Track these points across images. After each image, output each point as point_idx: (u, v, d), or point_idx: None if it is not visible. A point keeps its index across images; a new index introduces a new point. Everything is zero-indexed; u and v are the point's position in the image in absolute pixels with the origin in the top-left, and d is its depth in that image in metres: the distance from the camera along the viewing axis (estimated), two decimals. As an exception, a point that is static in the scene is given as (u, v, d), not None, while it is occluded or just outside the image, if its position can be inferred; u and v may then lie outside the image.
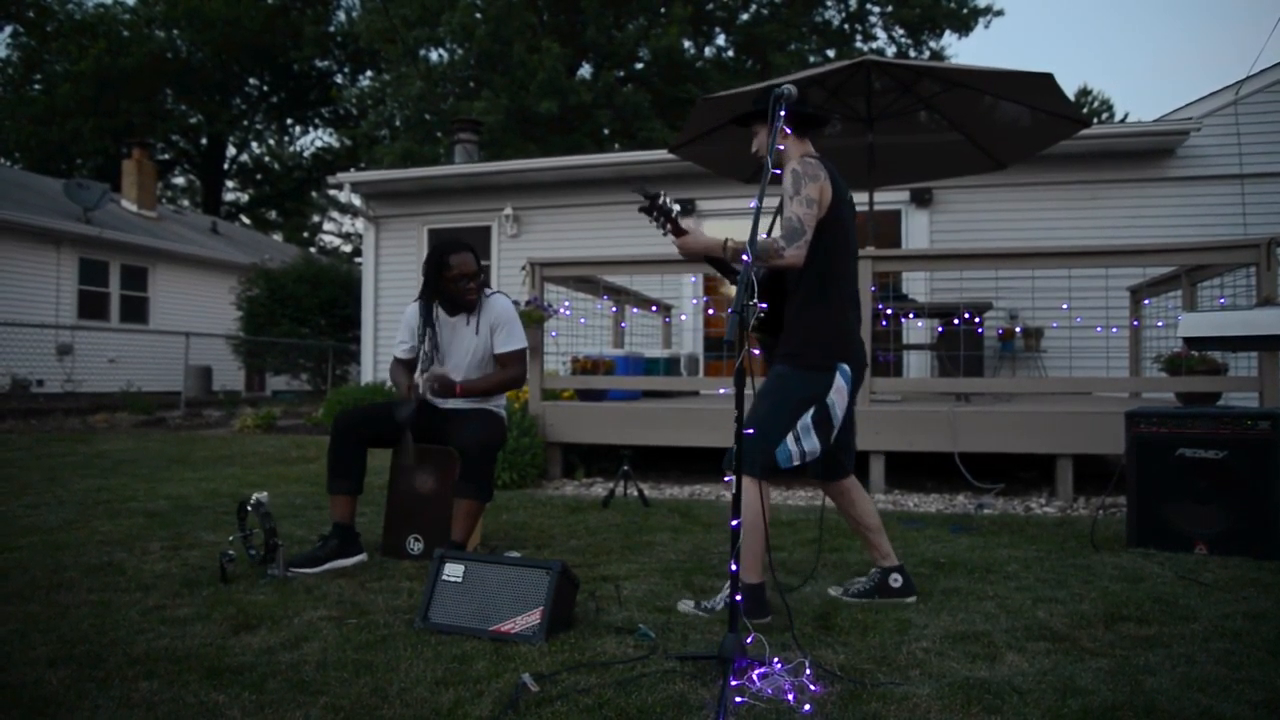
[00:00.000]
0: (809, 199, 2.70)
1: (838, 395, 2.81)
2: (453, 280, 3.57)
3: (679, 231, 2.92)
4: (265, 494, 3.34)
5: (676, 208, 2.90)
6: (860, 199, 7.49)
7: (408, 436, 3.54)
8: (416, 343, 3.68)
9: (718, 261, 3.00)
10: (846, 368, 2.83)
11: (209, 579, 3.19)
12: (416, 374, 3.72)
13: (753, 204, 2.46)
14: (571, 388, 6.30)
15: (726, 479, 2.61)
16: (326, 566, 3.35)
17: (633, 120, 22.43)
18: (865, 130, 6.82)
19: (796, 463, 2.81)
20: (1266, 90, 8.87)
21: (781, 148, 2.86)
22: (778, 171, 2.67)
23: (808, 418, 2.78)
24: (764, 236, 2.76)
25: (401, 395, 3.64)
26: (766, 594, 2.78)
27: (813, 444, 2.80)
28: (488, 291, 3.71)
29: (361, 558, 3.50)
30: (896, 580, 2.97)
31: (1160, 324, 6.82)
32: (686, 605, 2.86)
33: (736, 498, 2.28)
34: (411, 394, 3.55)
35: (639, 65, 24.09)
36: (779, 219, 2.86)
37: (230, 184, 35.51)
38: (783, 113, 2.54)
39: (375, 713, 2.02)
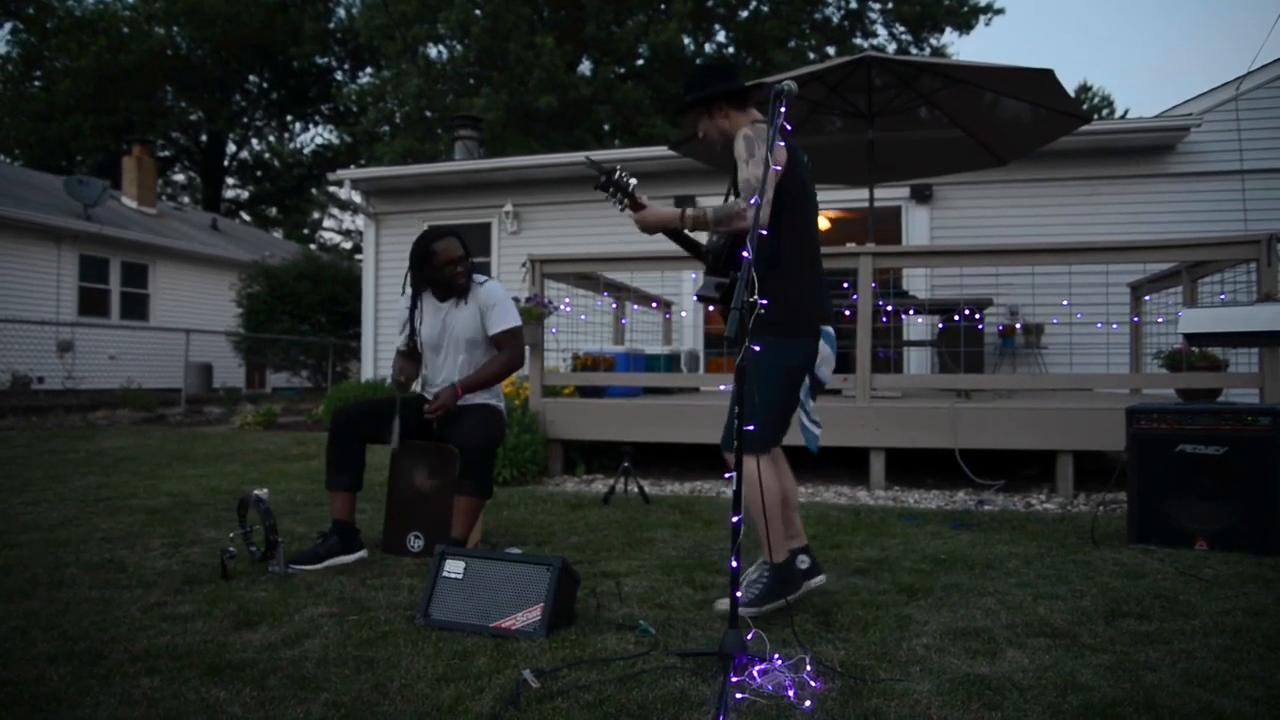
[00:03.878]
0: (764, 159, 2.68)
1: (825, 366, 2.78)
2: (439, 267, 3.57)
3: (636, 206, 2.88)
4: (265, 490, 3.35)
5: (633, 182, 2.85)
6: (860, 195, 7.53)
7: (396, 426, 3.52)
8: (410, 333, 3.70)
9: (677, 235, 2.96)
10: (830, 330, 2.79)
11: (210, 576, 3.20)
12: (417, 382, 3.74)
13: (754, 200, 2.45)
14: (572, 384, 6.30)
15: (727, 475, 2.60)
16: (327, 563, 3.36)
17: (633, 116, 22.41)
18: (866, 126, 6.82)
19: (818, 433, 2.80)
20: (1267, 86, 8.86)
21: (727, 125, 2.89)
22: (777, 169, 2.65)
23: (807, 398, 2.77)
24: (718, 204, 2.74)
25: (394, 389, 3.64)
26: (794, 569, 2.77)
27: (812, 407, 2.81)
28: (480, 279, 3.71)
29: (362, 554, 3.51)
30: (804, 561, 2.86)
31: (1161, 320, 6.82)
32: (724, 605, 2.77)
33: (737, 494, 2.28)
34: (396, 416, 3.52)
35: (639, 61, 24.06)
36: (732, 188, 2.84)
37: (230, 181, 35.53)
38: (783, 109, 2.52)
39: (376, 709, 2.02)
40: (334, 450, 3.53)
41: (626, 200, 2.87)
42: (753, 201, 2.46)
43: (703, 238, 3.03)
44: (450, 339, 3.66)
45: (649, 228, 2.91)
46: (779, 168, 2.64)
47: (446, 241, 3.59)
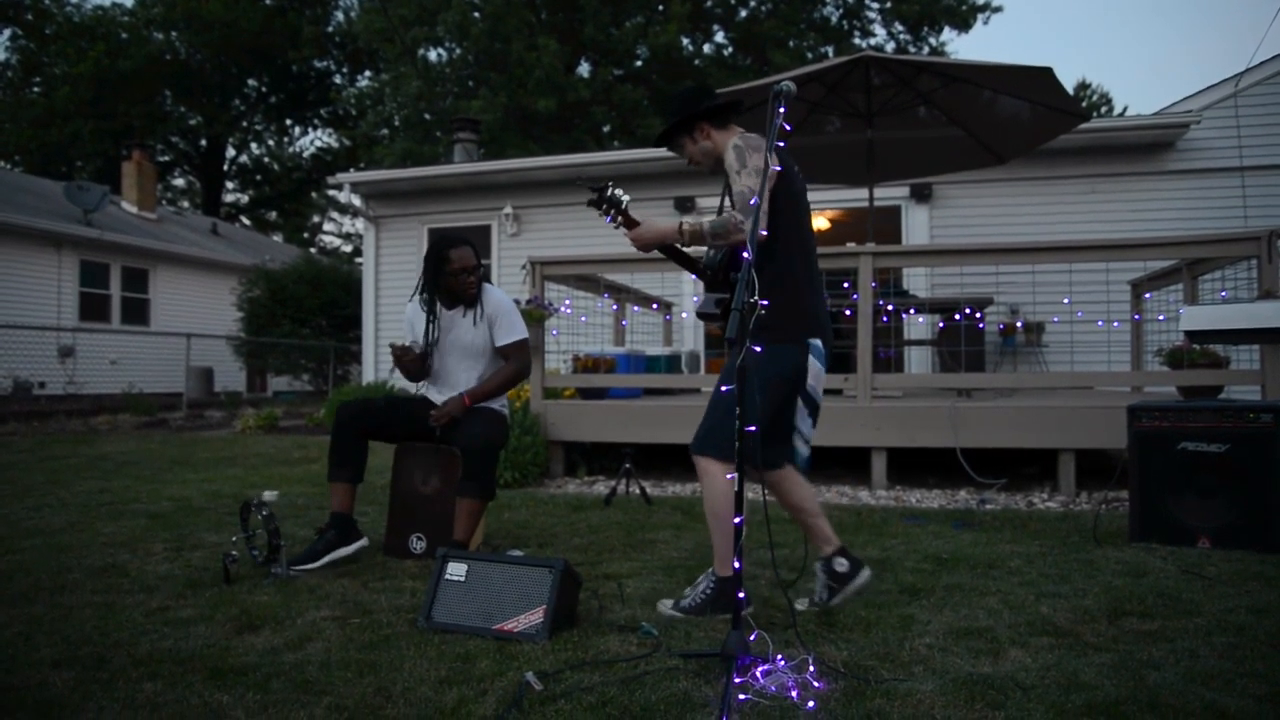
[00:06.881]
0: (756, 169, 2.64)
1: (815, 380, 2.74)
2: (453, 274, 3.58)
3: (630, 223, 2.84)
4: (275, 493, 3.34)
5: (626, 198, 2.81)
6: (860, 195, 7.53)
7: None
8: (420, 339, 3.68)
9: (674, 251, 2.92)
10: (819, 344, 2.75)
11: (212, 580, 3.20)
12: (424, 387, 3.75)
13: (753, 201, 2.45)
14: (573, 386, 6.30)
15: (730, 477, 2.59)
16: (327, 559, 3.36)
17: (631, 117, 22.43)
18: (865, 126, 6.82)
19: (806, 453, 2.78)
20: (1266, 83, 8.86)
21: (710, 145, 2.88)
22: (779, 168, 2.65)
23: (803, 420, 2.75)
24: (714, 218, 2.70)
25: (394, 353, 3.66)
26: (739, 589, 2.75)
27: (810, 429, 2.79)
28: (486, 287, 3.71)
29: (362, 543, 3.50)
30: (842, 564, 2.84)
31: (1161, 318, 6.81)
32: (665, 606, 2.82)
33: (739, 494, 2.28)
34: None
35: (638, 63, 24.06)
36: (726, 199, 2.81)
37: (230, 185, 35.53)
38: (782, 109, 2.51)
39: (379, 712, 2.02)
40: (337, 445, 3.53)
41: (620, 217, 2.84)
42: (753, 202, 2.46)
43: (699, 251, 3.02)
44: (456, 347, 3.66)
45: (645, 245, 2.86)
46: (779, 168, 2.62)
47: (462, 250, 3.58)
